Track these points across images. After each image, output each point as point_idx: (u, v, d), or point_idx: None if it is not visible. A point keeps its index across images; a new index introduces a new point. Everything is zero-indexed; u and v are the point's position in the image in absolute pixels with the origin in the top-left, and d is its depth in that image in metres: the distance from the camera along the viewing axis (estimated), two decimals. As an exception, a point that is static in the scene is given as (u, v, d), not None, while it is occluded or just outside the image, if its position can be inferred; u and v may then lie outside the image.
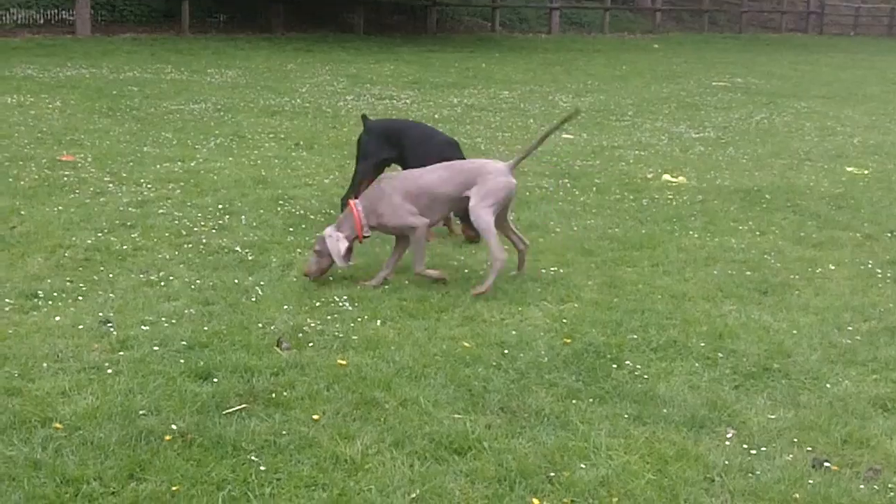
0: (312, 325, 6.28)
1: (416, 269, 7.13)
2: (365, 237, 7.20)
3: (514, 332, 6.29)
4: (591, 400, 5.36)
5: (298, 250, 7.83)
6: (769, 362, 5.96)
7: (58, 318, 6.18)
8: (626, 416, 5.19)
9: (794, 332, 6.47)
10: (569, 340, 6.18)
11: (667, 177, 11.21)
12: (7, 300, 6.46)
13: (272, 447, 4.70)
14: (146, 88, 16.69)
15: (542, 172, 11.28)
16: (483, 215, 7.03)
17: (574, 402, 5.34)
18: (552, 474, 4.57)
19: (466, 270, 7.50)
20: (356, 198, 7.47)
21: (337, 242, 6.98)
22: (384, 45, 26.36)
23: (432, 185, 7.16)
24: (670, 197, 10.26)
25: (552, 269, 7.63)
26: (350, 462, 4.60)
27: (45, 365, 5.48)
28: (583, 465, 4.67)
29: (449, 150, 8.18)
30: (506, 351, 5.97)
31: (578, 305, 6.85)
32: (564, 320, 6.54)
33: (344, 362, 5.70)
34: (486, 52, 26.37)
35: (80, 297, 6.60)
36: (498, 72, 22.05)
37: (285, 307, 6.57)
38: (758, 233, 8.95)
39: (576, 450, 4.81)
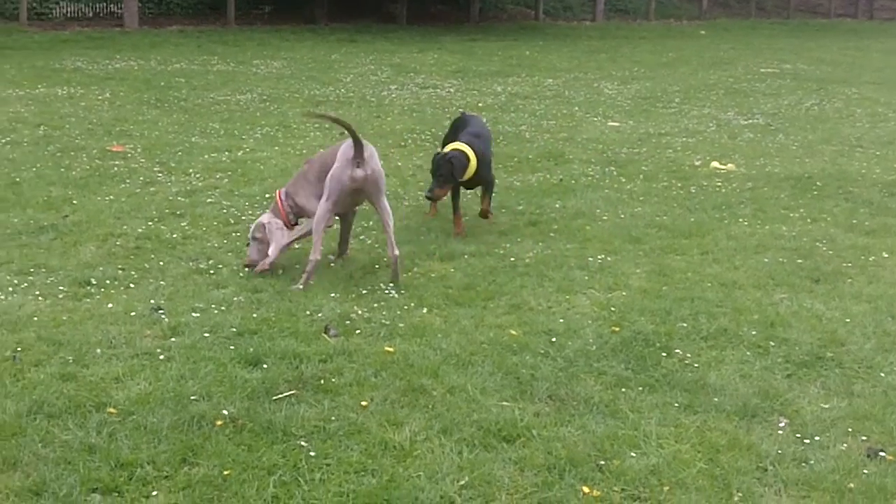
0: (359, 312, 6.30)
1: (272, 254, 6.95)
2: (293, 224, 7.18)
3: (561, 320, 6.28)
4: (640, 388, 5.35)
5: (346, 239, 7.86)
6: (822, 351, 5.91)
7: (110, 306, 6.25)
8: (676, 404, 5.17)
9: (847, 320, 6.41)
10: (617, 329, 6.16)
11: (715, 164, 11.13)
12: (61, 287, 6.54)
13: (321, 433, 4.73)
14: (193, 80, 16.78)
15: (588, 160, 11.23)
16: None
17: (623, 390, 5.33)
18: (602, 463, 4.56)
19: (513, 258, 7.49)
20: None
21: (274, 231, 6.92)
22: (427, 34, 26.33)
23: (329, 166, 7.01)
24: (719, 184, 10.19)
25: (599, 257, 7.60)
26: (399, 448, 4.62)
27: (98, 351, 5.54)
28: (633, 454, 4.65)
29: (468, 140, 8.08)
30: (553, 339, 5.96)
31: (626, 293, 6.83)
32: (612, 308, 6.52)
33: (391, 349, 5.72)
34: (529, 40, 26.26)
35: (132, 285, 6.66)
36: (542, 60, 21.96)
37: (332, 295, 6.59)
38: (809, 220, 8.87)
39: (625, 438, 4.79)
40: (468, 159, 7.80)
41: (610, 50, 24.55)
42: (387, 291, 6.69)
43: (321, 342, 5.78)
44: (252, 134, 12.14)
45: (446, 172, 7.74)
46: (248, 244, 7.17)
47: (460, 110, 9.40)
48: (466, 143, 7.92)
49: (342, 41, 24.09)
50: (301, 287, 6.67)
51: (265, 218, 7.05)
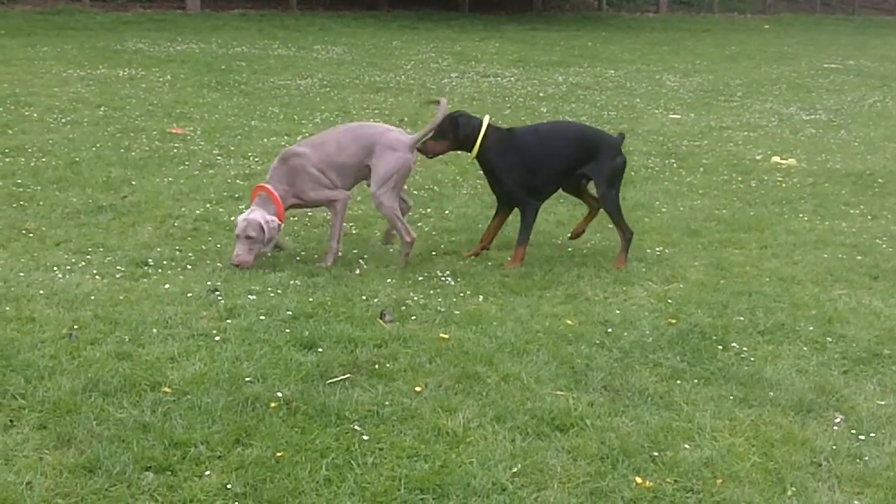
0: (415, 298, 6.32)
1: (332, 245, 6.98)
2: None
3: (617, 311, 6.25)
4: (695, 381, 5.32)
5: (402, 225, 7.87)
6: (879, 348, 5.85)
7: (167, 286, 6.31)
8: (731, 398, 5.14)
9: (906, 318, 6.34)
10: (673, 321, 6.13)
11: (776, 159, 11.02)
12: (118, 267, 6.61)
13: (375, 417, 4.75)
14: (254, 64, 16.88)
15: (648, 152, 11.17)
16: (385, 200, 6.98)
17: (678, 382, 5.30)
18: (655, 454, 4.55)
19: (570, 249, 7.46)
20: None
21: (276, 228, 6.75)
22: (489, 23, 26.28)
23: (332, 154, 6.99)
24: (780, 179, 10.09)
25: (657, 249, 7.57)
26: (452, 434, 4.63)
27: (154, 331, 5.60)
28: (686, 446, 4.63)
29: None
30: (609, 330, 5.94)
31: (684, 286, 6.79)
32: (669, 300, 6.49)
33: (446, 336, 5.72)
34: (592, 30, 26.14)
35: (189, 266, 6.72)
36: (604, 50, 21.86)
37: (388, 281, 6.61)
38: (869, 217, 8.76)
39: (680, 430, 4.77)
40: (479, 128, 7.12)
41: (673, 42, 24.37)
42: (443, 279, 6.70)
43: (376, 327, 5.80)
44: (311, 119, 12.20)
45: (446, 127, 7.15)
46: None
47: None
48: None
49: (404, 28, 24.12)
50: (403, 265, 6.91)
51: (259, 216, 6.70)
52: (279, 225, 6.79)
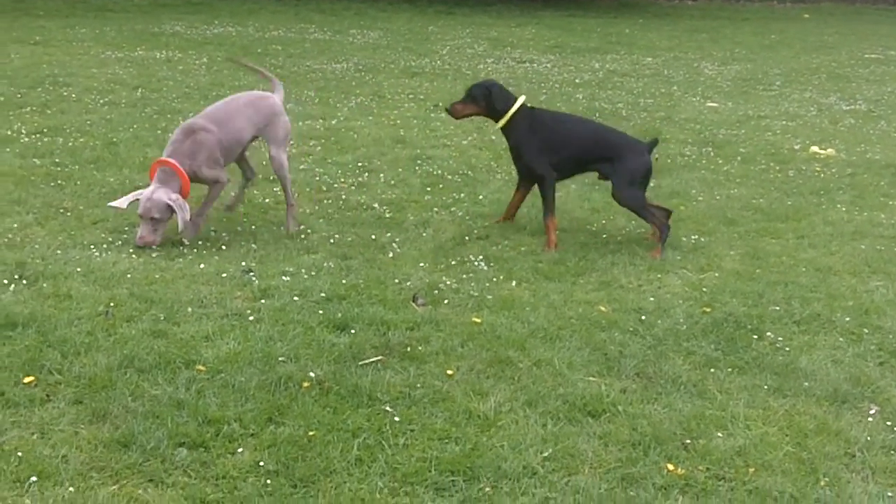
0: (448, 283, 6.33)
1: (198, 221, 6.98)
2: None
3: (651, 299, 6.25)
4: (729, 370, 5.31)
5: (435, 209, 7.90)
6: (917, 340, 5.82)
7: (202, 266, 6.36)
8: (765, 387, 5.12)
9: (944, 310, 6.30)
10: (708, 309, 6.11)
11: (815, 149, 10.95)
12: (154, 247, 6.66)
13: (406, 399, 4.77)
14: (290, 48, 16.93)
15: (685, 140, 11.13)
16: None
17: (712, 370, 5.30)
18: (687, 442, 4.55)
19: (605, 236, 7.46)
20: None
21: (183, 208, 6.65)
22: (526, 8, 26.22)
23: (234, 133, 7.11)
24: (818, 169, 10.03)
25: (693, 237, 7.55)
26: (483, 418, 4.64)
27: (189, 310, 5.65)
28: (719, 434, 4.63)
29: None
30: (643, 317, 5.94)
31: (719, 275, 6.77)
32: (704, 289, 6.47)
33: (478, 320, 5.74)
34: (629, 17, 26.03)
35: (224, 247, 6.76)
36: (641, 38, 21.76)
37: (421, 264, 6.63)
38: (908, 209, 8.71)
39: (712, 419, 4.77)
40: (512, 103, 7.34)
41: (711, 30, 24.24)
42: (476, 263, 6.71)
43: (409, 311, 5.83)
44: (346, 103, 12.23)
45: (478, 94, 7.41)
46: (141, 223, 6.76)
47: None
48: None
49: (440, 13, 24.11)
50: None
51: (163, 195, 6.60)
52: (184, 202, 6.70)
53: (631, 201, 7.30)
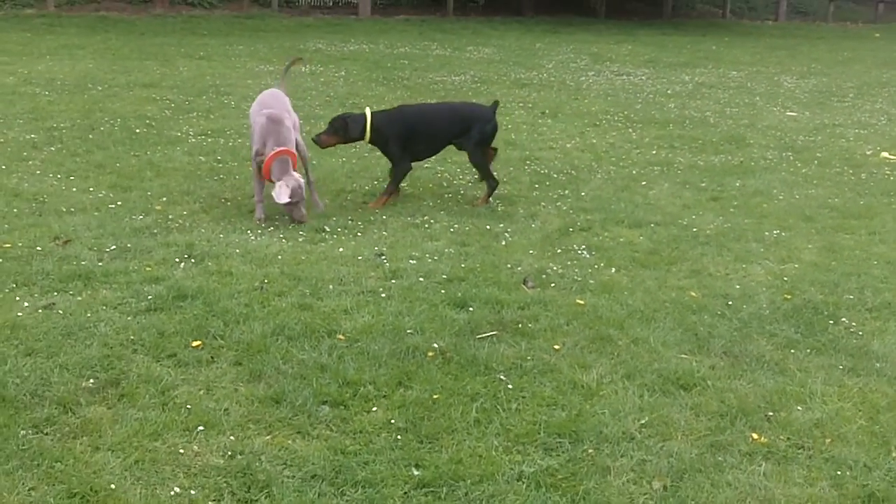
0: (554, 268, 6.29)
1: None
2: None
3: (737, 286, 6.13)
4: (808, 350, 5.18)
5: (542, 203, 7.85)
6: (982, 327, 5.61)
7: (341, 250, 6.42)
8: (840, 367, 4.99)
9: None
10: (788, 296, 5.98)
11: (885, 154, 10.61)
12: (300, 232, 6.75)
13: (518, 369, 4.76)
14: (415, 62, 16.98)
15: (766, 145, 10.88)
16: None
17: (792, 351, 5.18)
18: (770, 414, 4.46)
19: (695, 229, 7.34)
20: None
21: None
22: (623, 27, 25.91)
23: None
24: (888, 172, 9.72)
25: (775, 232, 7.38)
26: (586, 388, 4.61)
27: (330, 287, 5.71)
28: (799, 408, 4.52)
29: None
30: (730, 302, 5.82)
31: (798, 266, 6.61)
32: (785, 278, 6.33)
33: (582, 302, 5.69)
34: (716, 36, 25.55)
35: (359, 234, 6.82)
36: (727, 54, 21.34)
37: (530, 252, 6.60)
38: (974, 209, 8.39)
39: (792, 394, 4.66)
40: (365, 122, 7.49)
41: (790, 48, 23.66)
42: (579, 252, 6.65)
43: (520, 292, 5.80)
44: (465, 110, 12.19)
45: (338, 126, 7.55)
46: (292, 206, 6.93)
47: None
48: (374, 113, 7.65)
49: (546, 31, 23.95)
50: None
51: (299, 179, 6.87)
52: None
53: (477, 159, 7.77)
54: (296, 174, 6.88)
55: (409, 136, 7.62)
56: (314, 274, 5.89)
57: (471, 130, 7.74)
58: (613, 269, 6.34)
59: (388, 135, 7.55)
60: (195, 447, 3.93)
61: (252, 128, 7.23)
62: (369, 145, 7.85)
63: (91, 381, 4.42)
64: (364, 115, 7.55)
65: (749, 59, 20.46)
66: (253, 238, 6.56)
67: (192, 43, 17.56)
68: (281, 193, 6.76)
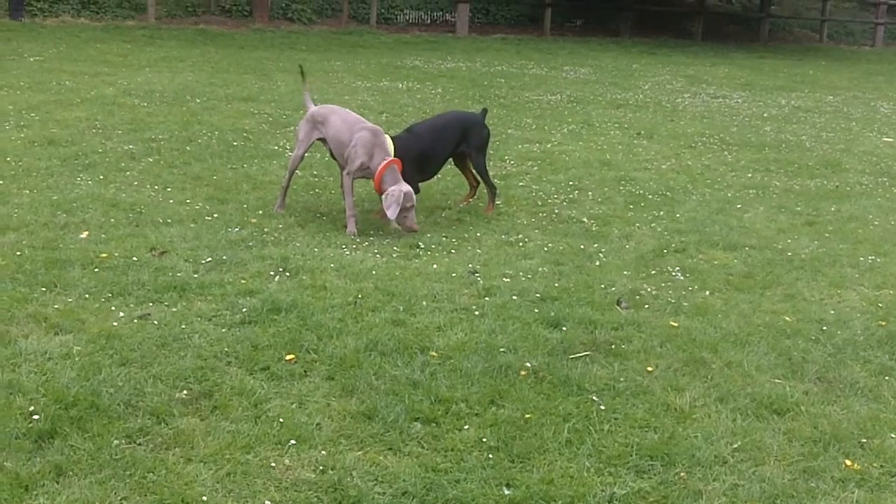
0: (648, 289, 6.20)
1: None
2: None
3: (832, 312, 5.97)
4: (905, 379, 5.02)
5: (637, 224, 7.76)
6: None
7: (435, 266, 6.41)
8: (939, 397, 4.83)
9: None
10: (883, 323, 5.81)
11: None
12: (395, 248, 6.76)
13: (611, 390, 4.69)
14: (511, 81, 16.97)
15: (862, 170, 10.61)
16: None
17: (886, 378, 5.03)
18: (863, 441, 4.33)
19: (790, 254, 7.17)
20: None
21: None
22: (719, 50, 25.57)
23: None
24: None
25: (870, 257, 7.18)
26: (679, 411, 4.53)
27: (424, 303, 5.70)
28: (893, 436, 4.40)
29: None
30: (824, 328, 5.68)
31: (893, 292, 6.42)
32: (880, 304, 6.15)
33: (675, 324, 5.60)
34: (813, 60, 25.06)
35: (453, 251, 6.81)
36: (823, 78, 20.91)
37: (624, 273, 6.52)
38: None
39: (886, 421, 4.53)
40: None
41: (887, 73, 23.10)
42: (673, 273, 6.55)
43: (613, 312, 5.73)
44: (559, 129, 12.16)
45: None
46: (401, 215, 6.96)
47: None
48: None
49: (643, 53, 23.76)
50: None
51: (405, 187, 6.91)
52: None
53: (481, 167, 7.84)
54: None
55: (425, 155, 7.59)
56: (408, 290, 5.89)
57: (469, 136, 7.78)
58: (707, 292, 6.23)
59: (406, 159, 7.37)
60: (287, 461, 3.94)
61: (316, 141, 7.51)
62: None
63: (184, 392, 4.44)
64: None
65: (846, 84, 20.02)
66: (347, 253, 6.59)
67: (291, 58, 17.79)
68: (391, 207, 6.83)
